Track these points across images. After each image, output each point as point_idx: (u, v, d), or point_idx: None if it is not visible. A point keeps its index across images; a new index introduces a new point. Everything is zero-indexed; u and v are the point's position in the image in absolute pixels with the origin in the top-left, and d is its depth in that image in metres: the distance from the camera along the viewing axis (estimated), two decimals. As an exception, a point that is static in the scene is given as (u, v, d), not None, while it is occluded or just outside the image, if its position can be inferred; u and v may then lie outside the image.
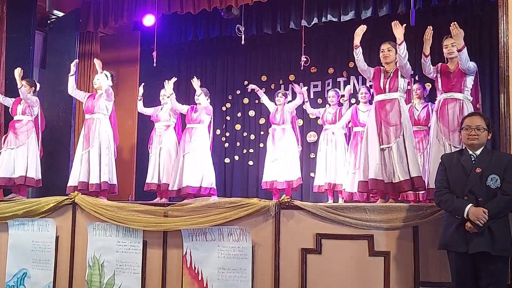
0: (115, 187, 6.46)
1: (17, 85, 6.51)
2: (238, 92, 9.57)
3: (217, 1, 7.32)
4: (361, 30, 5.06)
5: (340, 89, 8.32)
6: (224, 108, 9.55)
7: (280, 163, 6.95)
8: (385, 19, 7.66)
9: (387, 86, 5.00)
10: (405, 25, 4.94)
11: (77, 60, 7.01)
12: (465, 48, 4.69)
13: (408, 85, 5.16)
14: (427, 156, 5.22)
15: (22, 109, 6.63)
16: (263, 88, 9.25)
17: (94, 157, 6.28)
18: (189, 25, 8.92)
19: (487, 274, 3.51)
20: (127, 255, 5.20)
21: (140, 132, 8.27)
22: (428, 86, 6.91)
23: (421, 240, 4.27)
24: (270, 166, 7.05)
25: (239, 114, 9.51)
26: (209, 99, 6.86)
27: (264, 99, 7.47)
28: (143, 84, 7.14)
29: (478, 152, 3.69)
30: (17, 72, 6.49)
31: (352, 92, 7.59)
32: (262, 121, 9.27)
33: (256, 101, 9.39)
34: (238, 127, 9.50)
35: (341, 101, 7.56)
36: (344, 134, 6.99)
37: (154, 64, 7.36)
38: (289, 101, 7.39)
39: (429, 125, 5.70)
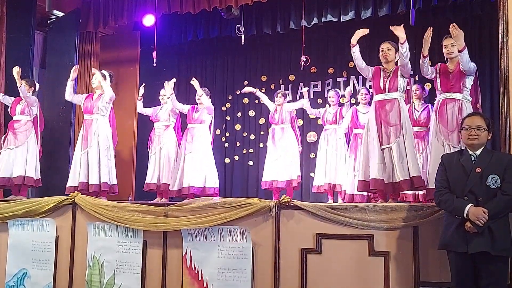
0: (115, 187, 6.45)
1: (16, 84, 6.51)
2: (238, 92, 9.54)
3: (217, 1, 7.31)
4: (362, 32, 5.06)
5: (340, 89, 8.33)
6: (224, 108, 9.56)
7: (280, 163, 6.95)
8: (385, 19, 7.67)
9: (386, 86, 5.01)
10: (403, 25, 4.94)
11: (77, 66, 6.95)
12: (466, 49, 4.69)
13: (407, 85, 5.17)
14: (427, 156, 5.22)
15: (21, 109, 6.63)
16: (263, 88, 9.27)
17: (93, 158, 6.27)
18: (189, 25, 8.93)
19: (487, 274, 3.51)
20: (127, 255, 5.20)
21: (140, 132, 8.27)
22: (428, 86, 6.91)
23: (421, 240, 4.27)
24: (270, 166, 7.05)
25: (239, 114, 9.51)
26: (209, 99, 6.86)
27: (264, 99, 7.47)
28: (143, 84, 7.14)
29: (478, 152, 3.69)
30: (15, 70, 6.49)
31: (352, 92, 7.58)
32: (262, 121, 9.27)
33: (256, 101, 9.39)
34: (238, 127, 9.50)
35: (341, 101, 7.56)
36: (345, 134, 6.99)
37: (154, 64, 7.36)
38: (289, 101, 7.38)
39: (428, 126, 5.70)
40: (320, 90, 8.97)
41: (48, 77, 8.20)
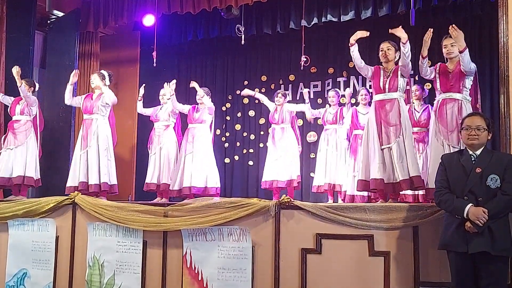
0: (115, 187, 6.45)
1: (16, 84, 6.51)
2: (238, 92, 9.54)
3: (217, 1, 7.31)
4: (362, 34, 5.06)
5: (340, 89, 8.33)
6: (224, 108, 9.56)
7: (280, 163, 6.95)
8: (385, 19, 7.68)
9: (386, 86, 5.01)
10: (400, 26, 4.95)
11: (77, 70, 6.92)
12: (467, 49, 4.68)
13: (407, 85, 5.17)
14: (427, 156, 5.22)
15: (21, 109, 6.62)
16: (263, 88, 9.28)
17: (93, 158, 6.27)
18: (189, 25, 8.93)
19: (487, 274, 3.51)
20: (127, 255, 5.20)
21: (140, 132, 8.27)
22: (428, 86, 6.91)
23: (421, 240, 4.27)
24: (270, 166, 7.05)
25: (239, 114, 9.51)
26: (210, 99, 6.86)
27: (264, 100, 7.47)
28: (143, 85, 7.12)
29: (478, 152, 3.69)
30: (15, 70, 6.48)
31: (352, 93, 7.57)
32: (262, 121, 9.28)
33: (256, 101, 9.36)
34: (238, 127, 9.50)
35: (341, 101, 7.56)
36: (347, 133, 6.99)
37: (154, 64, 7.37)
38: (289, 101, 7.38)
39: (428, 127, 5.70)
40: (320, 90, 8.97)
41: (48, 77, 8.20)
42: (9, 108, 6.77)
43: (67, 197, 5.61)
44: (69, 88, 6.56)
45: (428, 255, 4.22)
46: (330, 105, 7.19)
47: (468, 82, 4.86)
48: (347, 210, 4.48)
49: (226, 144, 9.51)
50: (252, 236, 4.70)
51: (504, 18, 4.74)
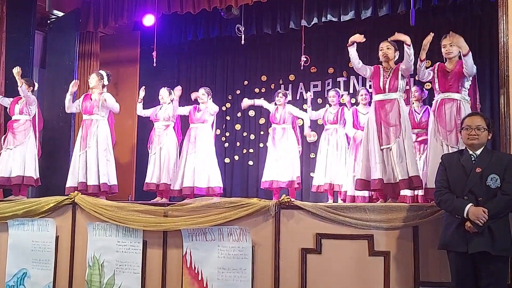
0: (115, 187, 6.45)
1: (17, 84, 6.51)
2: (238, 92, 9.57)
3: (217, 1, 7.32)
4: (359, 37, 5.05)
5: (340, 89, 8.33)
6: (224, 108, 9.55)
7: (280, 163, 6.94)
8: (385, 19, 7.69)
9: (386, 86, 5.00)
10: (396, 32, 4.96)
11: (77, 80, 6.89)
12: (470, 52, 4.67)
13: (406, 84, 5.16)
14: (426, 156, 5.22)
15: (20, 109, 6.62)
16: (263, 88, 9.29)
17: (92, 159, 6.26)
18: (189, 25, 8.93)
19: (487, 274, 3.51)
20: (127, 255, 5.20)
21: (140, 132, 8.27)
22: (428, 86, 6.91)
23: (421, 240, 4.27)
24: (270, 166, 7.04)
25: (239, 114, 9.51)
26: (211, 99, 6.86)
27: (264, 104, 7.45)
28: (143, 87, 7.08)
29: (478, 152, 3.69)
30: (16, 70, 6.48)
31: (350, 100, 7.56)
32: (262, 121, 9.28)
33: (256, 101, 9.40)
34: (238, 127, 9.50)
35: (341, 101, 7.55)
36: (345, 134, 6.98)
37: (154, 64, 7.37)
38: (289, 101, 7.37)
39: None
40: (320, 90, 8.97)
41: (48, 77, 8.20)
42: (8, 108, 6.77)
43: (67, 197, 5.60)
44: (68, 98, 6.54)
45: (428, 255, 4.22)
46: (330, 105, 7.18)
47: (467, 82, 4.85)
48: (347, 210, 4.48)
49: (226, 144, 9.51)
50: (252, 236, 4.70)
51: (504, 18, 4.74)
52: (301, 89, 9.11)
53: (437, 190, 3.77)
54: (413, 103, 6.31)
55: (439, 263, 4.13)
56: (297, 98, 9.00)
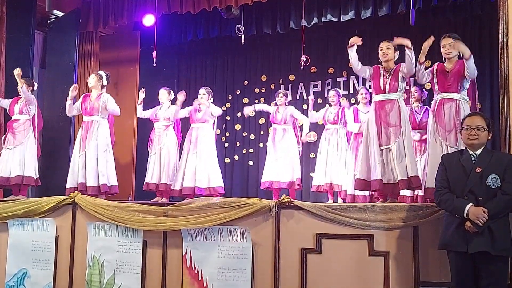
0: (115, 188, 6.44)
1: (17, 84, 6.51)
2: (238, 92, 9.58)
3: (217, 1, 7.31)
4: (357, 40, 5.05)
5: (340, 89, 8.33)
6: (224, 108, 9.53)
7: (280, 164, 6.94)
8: (385, 19, 7.70)
9: (387, 87, 5.00)
10: (395, 38, 4.98)
11: (76, 84, 6.85)
12: (472, 56, 4.67)
13: (406, 85, 5.16)
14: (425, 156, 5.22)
15: (20, 109, 6.61)
16: (263, 88, 9.29)
17: (91, 160, 6.24)
18: (189, 25, 8.93)
19: (487, 274, 3.51)
20: (127, 255, 5.20)
21: (140, 132, 8.27)
22: (428, 86, 6.90)
23: (421, 240, 4.27)
24: (270, 166, 7.04)
25: (239, 114, 9.51)
26: (212, 99, 6.86)
27: (264, 107, 7.45)
28: (143, 89, 7.04)
29: (478, 152, 3.69)
30: (16, 72, 6.48)
31: (351, 94, 7.56)
32: (262, 121, 9.28)
33: (256, 101, 9.38)
34: (238, 127, 9.50)
35: (341, 101, 7.55)
36: (346, 133, 6.98)
37: (154, 64, 7.36)
38: (289, 101, 7.35)
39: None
40: (320, 90, 8.97)
41: (48, 77, 8.20)
42: (7, 108, 6.76)
43: (67, 197, 5.60)
44: (68, 103, 6.54)
45: (428, 255, 4.22)
46: (330, 105, 7.18)
47: (466, 83, 4.85)
48: (347, 210, 4.48)
49: (226, 144, 9.51)
50: (252, 236, 4.70)
51: (504, 18, 4.74)
52: (301, 89, 9.11)
53: (437, 190, 3.77)
54: (413, 104, 6.31)
55: (439, 263, 4.13)
56: (297, 98, 9.00)
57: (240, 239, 4.73)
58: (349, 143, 6.82)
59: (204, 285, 4.84)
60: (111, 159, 6.46)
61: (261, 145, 9.01)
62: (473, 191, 3.57)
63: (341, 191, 6.78)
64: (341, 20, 7.77)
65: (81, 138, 6.37)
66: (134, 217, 5.14)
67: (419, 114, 6.36)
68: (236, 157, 9.43)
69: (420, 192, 5.47)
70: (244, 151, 9.40)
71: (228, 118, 9.57)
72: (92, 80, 6.50)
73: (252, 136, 9.39)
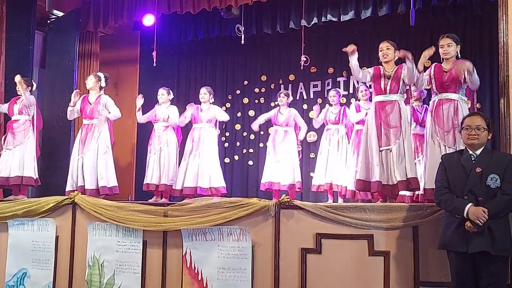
0: (115, 189, 6.43)
1: (16, 84, 6.50)
2: (238, 92, 9.57)
3: (217, 1, 7.30)
4: (352, 47, 5.02)
5: (340, 89, 8.32)
6: (224, 108, 9.51)
7: (281, 166, 6.94)
8: (385, 19, 7.69)
9: (388, 88, 4.99)
10: (399, 51, 4.97)
11: (78, 90, 6.78)
12: (475, 68, 4.69)
13: (406, 85, 5.16)
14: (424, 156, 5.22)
15: (19, 109, 6.59)
16: (263, 88, 9.29)
17: (91, 162, 6.23)
18: (188, 25, 8.92)
19: (487, 274, 3.51)
20: (127, 255, 5.20)
21: (140, 132, 8.27)
22: (428, 86, 6.90)
23: (421, 240, 4.27)
24: (270, 168, 7.04)
25: (239, 114, 9.51)
26: (212, 98, 6.85)
27: (266, 116, 7.37)
28: (141, 95, 6.97)
29: (478, 152, 3.69)
30: (18, 79, 6.47)
31: (351, 94, 7.55)
32: (262, 121, 9.27)
33: (256, 101, 9.41)
34: (238, 127, 9.50)
35: (341, 101, 7.55)
36: (346, 133, 6.98)
37: (154, 64, 7.35)
38: (290, 102, 7.34)
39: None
40: (320, 90, 8.97)
41: (48, 77, 8.19)
42: (7, 109, 6.74)
43: (67, 197, 5.60)
44: (70, 109, 6.52)
45: (428, 255, 4.23)
46: (331, 105, 7.18)
47: (464, 83, 4.84)
48: (347, 210, 4.48)
49: (226, 144, 9.51)
50: (252, 236, 4.70)
51: (504, 18, 4.74)
52: (301, 89, 9.11)
53: (437, 190, 3.77)
54: (413, 103, 6.31)
55: (439, 263, 4.13)
56: (297, 98, 9.00)
57: (240, 239, 4.73)
58: (349, 141, 6.82)
59: (204, 285, 4.84)
60: (111, 161, 6.45)
61: (261, 145, 9.01)
62: (473, 191, 3.57)
63: (340, 192, 6.78)
64: (341, 20, 7.77)
65: (80, 141, 6.35)
66: (134, 217, 5.14)
67: (420, 113, 6.36)
68: (236, 157, 9.43)
69: (421, 191, 5.47)
70: (244, 151, 9.40)
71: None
72: (90, 81, 6.49)
73: (252, 136, 9.38)
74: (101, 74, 6.55)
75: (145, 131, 7.58)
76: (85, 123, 6.43)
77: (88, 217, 5.43)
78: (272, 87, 9.22)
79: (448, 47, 4.80)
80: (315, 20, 7.93)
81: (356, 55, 5.03)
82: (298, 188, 6.99)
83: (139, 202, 5.58)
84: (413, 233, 4.30)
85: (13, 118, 6.63)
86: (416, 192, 5.80)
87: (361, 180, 5.05)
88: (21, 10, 7.60)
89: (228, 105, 9.56)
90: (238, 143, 9.47)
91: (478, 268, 3.55)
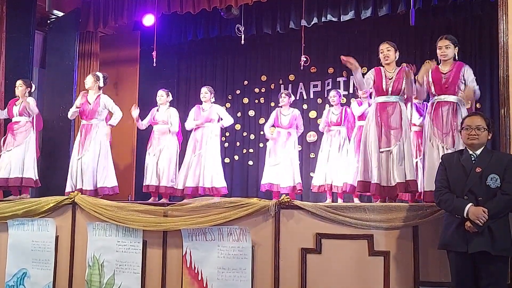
0: (115, 189, 6.43)
1: (16, 84, 6.51)
2: (238, 92, 9.58)
3: (217, 1, 7.31)
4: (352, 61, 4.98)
5: (340, 89, 8.33)
6: (224, 108, 9.54)
7: (281, 167, 6.93)
8: (385, 19, 7.69)
9: (389, 89, 4.98)
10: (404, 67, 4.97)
11: (85, 91, 6.78)
12: (475, 82, 4.71)
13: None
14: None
15: (19, 110, 6.56)
16: (263, 88, 9.29)
17: (90, 163, 6.23)
18: (189, 25, 8.93)
19: (487, 274, 3.51)
20: (127, 255, 5.20)
21: (140, 132, 8.25)
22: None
23: (421, 240, 4.27)
24: (270, 169, 7.03)
25: (239, 114, 9.51)
26: (213, 98, 6.85)
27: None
28: (135, 105, 6.95)
29: (478, 152, 3.69)
30: (18, 89, 6.47)
31: (351, 94, 7.55)
32: (262, 121, 9.26)
33: (256, 101, 9.41)
34: (238, 127, 9.50)
35: (341, 101, 7.54)
36: (347, 133, 6.98)
37: (154, 64, 7.36)
38: (291, 103, 7.34)
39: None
40: (320, 90, 8.98)
41: (48, 77, 8.19)
42: (7, 110, 6.73)
43: (67, 197, 5.60)
44: (74, 110, 6.51)
45: (428, 255, 4.23)
46: (331, 105, 7.17)
47: (462, 85, 4.83)
48: (347, 210, 4.48)
49: (226, 144, 9.51)
50: (252, 236, 4.70)
51: (504, 18, 4.75)
52: (301, 89, 9.12)
53: (437, 190, 3.77)
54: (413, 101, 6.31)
55: (439, 263, 4.13)
56: (297, 98, 8.99)
57: (240, 239, 4.73)
58: (349, 139, 6.81)
59: (204, 285, 4.84)
60: (110, 162, 6.44)
61: (261, 145, 9.01)
62: (473, 191, 3.57)
63: (340, 193, 6.78)
64: (341, 20, 7.77)
65: (79, 142, 6.34)
66: (134, 217, 5.14)
67: (422, 110, 6.35)
68: (236, 157, 9.43)
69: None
70: (244, 151, 9.41)
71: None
72: (89, 80, 6.48)
73: (252, 136, 9.39)
74: (99, 74, 6.54)
75: (144, 131, 7.57)
76: (84, 123, 6.42)
77: (88, 217, 5.43)
78: (272, 87, 9.23)
79: (447, 49, 4.79)
80: (315, 20, 7.93)
81: (359, 70, 4.96)
82: (299, 190, 6.99)
83: (139, 202, 5.58)
84: (413, 233, 4.30)
85: (13, 119, 6.60)
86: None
87: (361, 181, 5.05)
88: (21, 10, 7.60)
89: (228, 105, 9.55)
90: (238, 143, 9.48)
91: (478, 268, 3.55)
